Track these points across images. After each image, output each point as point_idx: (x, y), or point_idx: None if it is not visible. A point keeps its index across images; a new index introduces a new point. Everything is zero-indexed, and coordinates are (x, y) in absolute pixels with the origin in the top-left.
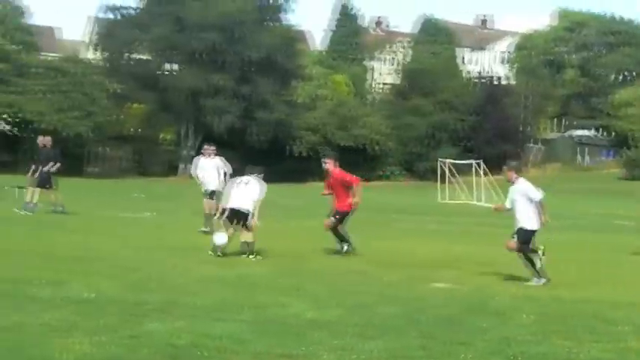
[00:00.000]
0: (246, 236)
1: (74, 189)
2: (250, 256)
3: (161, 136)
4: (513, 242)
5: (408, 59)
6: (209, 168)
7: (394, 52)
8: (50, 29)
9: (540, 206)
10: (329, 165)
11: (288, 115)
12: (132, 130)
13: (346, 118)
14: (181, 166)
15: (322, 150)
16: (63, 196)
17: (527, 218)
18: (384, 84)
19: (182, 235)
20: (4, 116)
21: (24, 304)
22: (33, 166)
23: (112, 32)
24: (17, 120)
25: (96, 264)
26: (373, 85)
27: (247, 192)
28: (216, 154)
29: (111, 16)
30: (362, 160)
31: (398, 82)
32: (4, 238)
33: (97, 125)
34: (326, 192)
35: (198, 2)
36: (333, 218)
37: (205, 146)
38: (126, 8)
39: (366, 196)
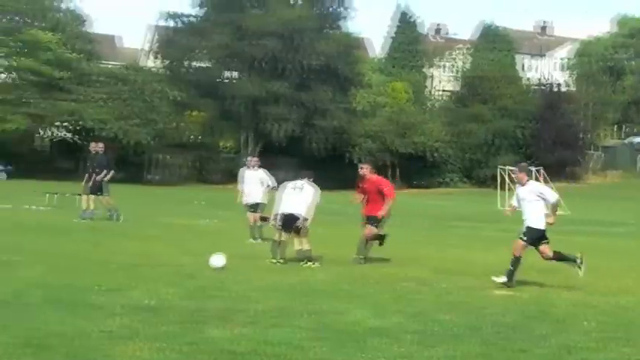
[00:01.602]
0: (300, 243)
1: (134, 196)
2: (309, 263)
3: (221, 143)
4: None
5: (468, 66)
6: (252, 181)
7: (454, 59)
8: (111, 37)
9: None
10: (365, 171)
11: (347, 122)
12: (192, 137)
13: (405, 126)
14: None
15: (364, 158)
16: (116, 203)
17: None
18: (444, 91)
19: (242, 242)
20: (66, 124)
21: (84, 310)
22: (87, 174)
23: (173, 40)
24: (78, 128)
25: (156, 271)
26: (432, 92)
27: (301, 197)
28: (259, 166)
29: (171, 23)
30: (421, 167)
31: (457, 89)
32: (62, 245)
33: (157, 133)
34: (358, 198)
35: (258, 10)
36: (373, 227)
37: (249, 158)
38: (186, 16)
39: (426, 204)
